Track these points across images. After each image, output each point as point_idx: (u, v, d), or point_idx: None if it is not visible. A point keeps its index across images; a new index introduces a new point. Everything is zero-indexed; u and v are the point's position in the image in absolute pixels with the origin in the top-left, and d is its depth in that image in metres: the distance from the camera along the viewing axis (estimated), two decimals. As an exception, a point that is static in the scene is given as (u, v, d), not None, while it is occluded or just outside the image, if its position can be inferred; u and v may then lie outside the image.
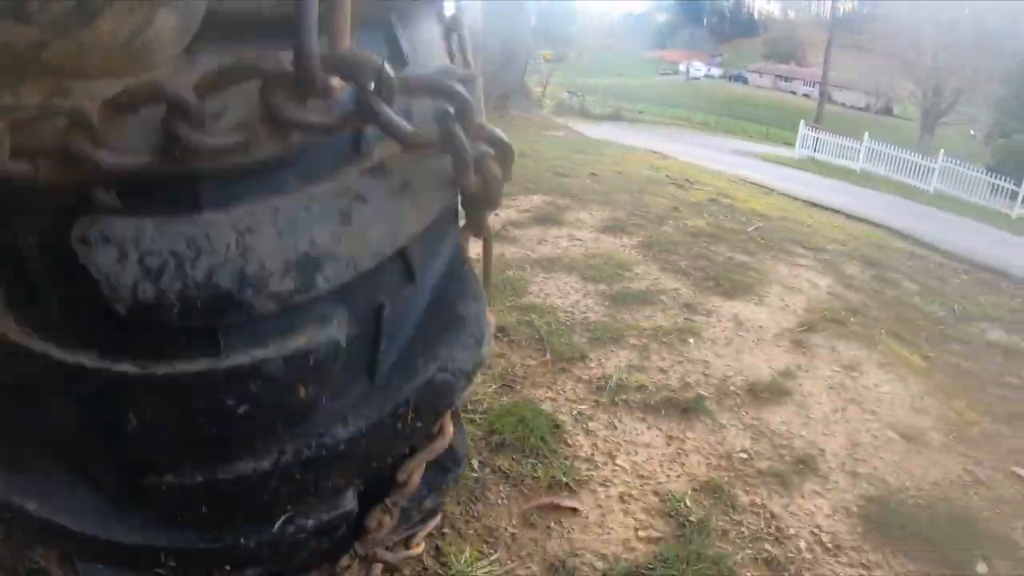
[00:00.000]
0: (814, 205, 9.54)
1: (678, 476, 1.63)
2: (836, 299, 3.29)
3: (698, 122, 23.88)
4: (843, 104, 36.03)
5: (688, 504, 1.53)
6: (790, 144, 19.41)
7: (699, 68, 39.69)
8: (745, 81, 38.32)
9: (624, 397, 1.96)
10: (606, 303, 2.70)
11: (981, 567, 1.56)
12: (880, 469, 1.82)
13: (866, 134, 17.23)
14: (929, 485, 1.81)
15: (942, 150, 17.06)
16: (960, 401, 2.50)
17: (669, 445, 1.75)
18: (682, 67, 39.91)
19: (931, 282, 4.71)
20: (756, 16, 48.44)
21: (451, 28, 0.88)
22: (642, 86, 34.21)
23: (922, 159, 16.66)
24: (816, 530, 1.51)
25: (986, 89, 22.42)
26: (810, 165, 16.27)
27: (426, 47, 0.75)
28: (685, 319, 2.61)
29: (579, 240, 3.61)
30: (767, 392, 2.09)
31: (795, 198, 9.77)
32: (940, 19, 19.77)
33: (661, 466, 1.67)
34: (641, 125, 20.28)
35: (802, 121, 18.54)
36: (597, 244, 3.57)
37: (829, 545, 1.47)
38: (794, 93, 38.12)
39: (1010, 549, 1.62)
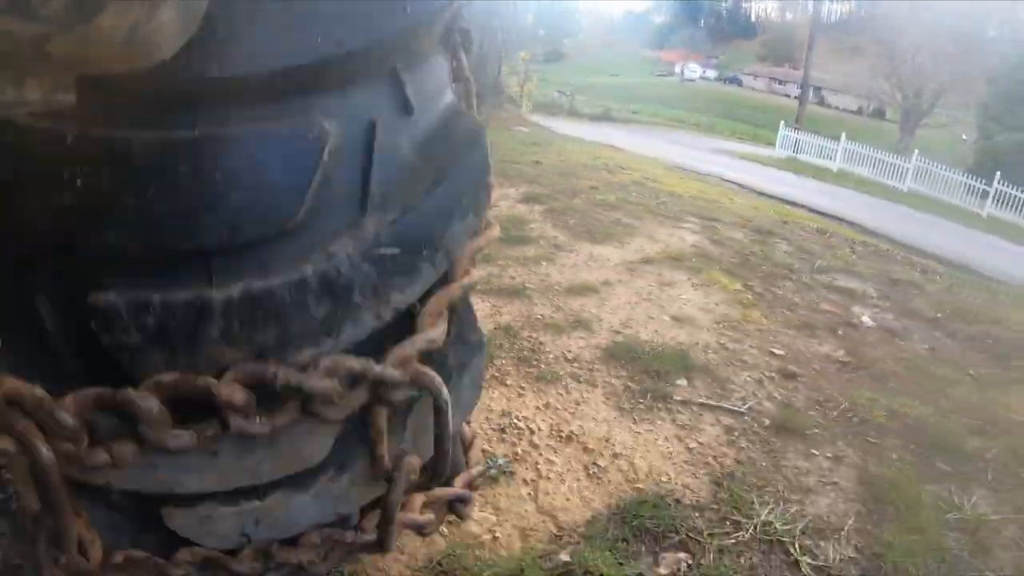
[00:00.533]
0: (763, 195, 10.44)
1: (489, 326, 2.54)
2: (693, 248, 4.18)
3: (692, 123, 24.81)
4: (837, 108, 36.93)
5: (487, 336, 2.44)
6: (775, 145, 20.33)
7: (694, 69, 40.73)
8: (740, 83, 39.30)
9: (477, 288, 2.88)
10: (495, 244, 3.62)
11: (681, 381, 2.45)
12: (639, 332, 2.72)
13: (843, 135, 18.14)
14: (675, 343, 2.70)
15: (916, 151, 17.93)
16: (756, 312, 3.37)
17: (492, 311, 2.67)
18: (677, 68, 40.96)
19: (814, 248, 5.57)
20: (754, 18, 49.53)
21: (455, 46, 0.92)
22: (640, 86, 35.19)
23: (896, 159, 17.55)
24: (566, 352, 2.42)
25: (975, 92, 23.35)
26: (787, 164, 17.18)
27: (433, 88, 0.79)
28: (549, 252, 3.53)
29: (495, 208, 4.52)
30: (580, 290, 3.01)
31: (756, 192, 10.67)
32: (920, 22, 20.61)
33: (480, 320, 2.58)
34: (637, 125, 21.30)
35: (782, 122, 19.51)
36: (511, 210, 4.48)
37: (569, 358, 2.38)
38: (788, 96, 39.04)
39: (711, 374, 2.50)
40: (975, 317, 3.71)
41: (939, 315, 3.65)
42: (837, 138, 18.58)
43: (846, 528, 1.67)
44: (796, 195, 11.60)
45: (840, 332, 3.18)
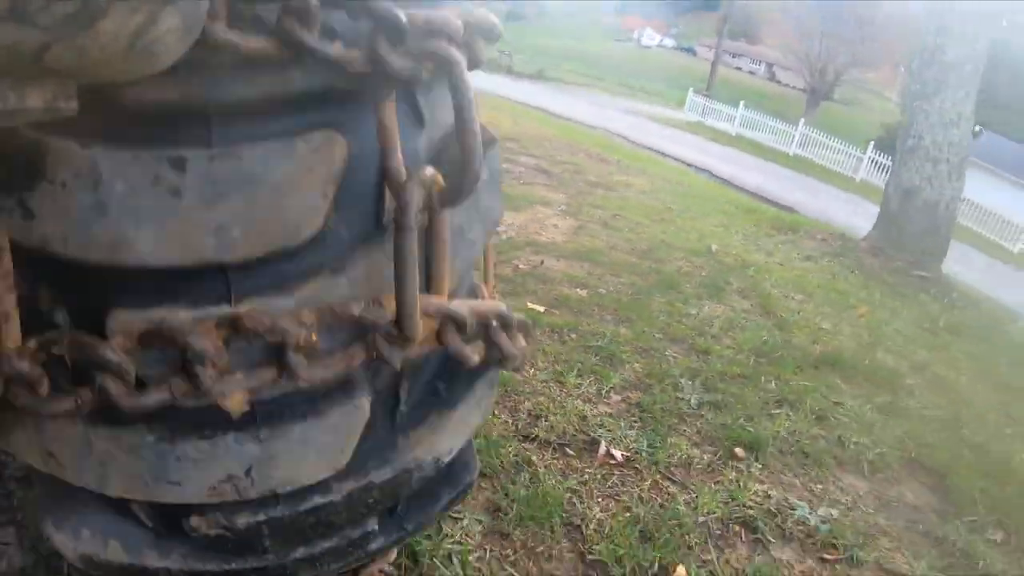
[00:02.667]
0: (636, 144, 14.32)
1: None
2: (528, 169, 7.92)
3: (621, 85, 28.48)
4: (787, 85, 41.04)
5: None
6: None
7: (652, 37, 44.35)
8: (694, 53, 43.08)
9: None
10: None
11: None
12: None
13: (741, 103, 22.11)
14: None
15: (802, 119, 22.02)
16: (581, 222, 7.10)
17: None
18: (635, 35, 44.56)
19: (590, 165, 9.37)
20: (717, -10, 53.09)
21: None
22: (595, 50, 38.58)
23: (784, 126, 21.61)
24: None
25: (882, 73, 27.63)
26: (688, 126, 21.08)
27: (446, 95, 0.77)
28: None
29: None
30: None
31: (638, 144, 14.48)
32: (825, 8, 24.62)
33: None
34: (563, 84, 24.84)
35: (691, 89, 23.41)
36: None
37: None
38: (740, 69, 43.05)
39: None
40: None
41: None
42: (750, 106, 22.49)
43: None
44: (668, 147, 15.54)
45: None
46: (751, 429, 2.06)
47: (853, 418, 2.33)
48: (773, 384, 2.43)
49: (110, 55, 0.47)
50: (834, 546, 1.64)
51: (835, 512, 1.78)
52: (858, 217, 10.63)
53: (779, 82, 41.11)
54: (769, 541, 1.61)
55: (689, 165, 13.93)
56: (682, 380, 2.28)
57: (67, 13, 0.42)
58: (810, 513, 1.73)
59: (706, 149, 17.00)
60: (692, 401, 2.16)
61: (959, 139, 5.34)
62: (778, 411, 2.23)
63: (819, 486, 1.90)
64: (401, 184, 0.71)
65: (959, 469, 2.19)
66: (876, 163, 20.61)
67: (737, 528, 1.63)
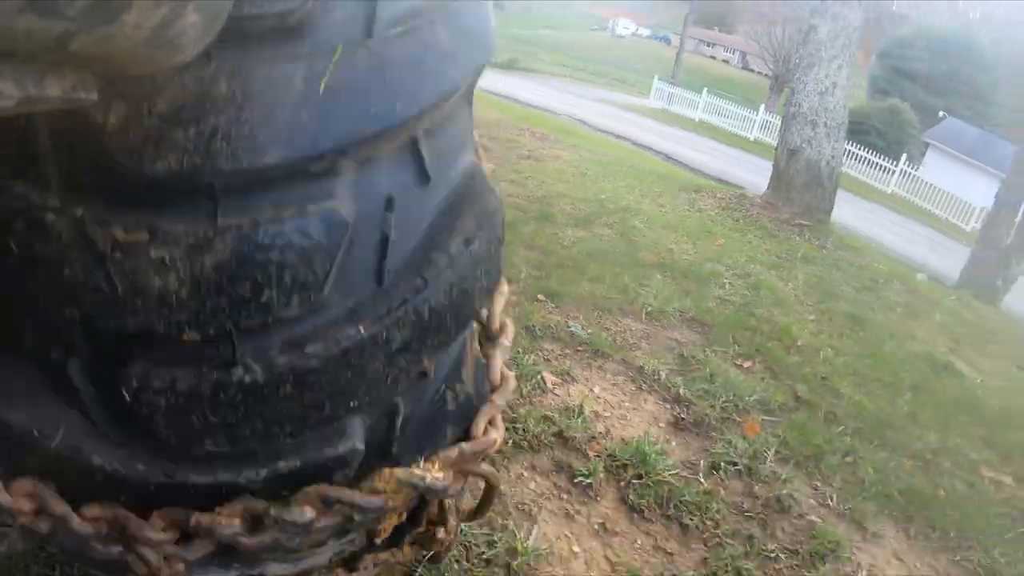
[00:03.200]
0: (595, 128, 15.17)
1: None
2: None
3: (593, 74, 29.41)
4: (758, 72, 42.18)
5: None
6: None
7: (627, 26, 45.36)
8: (668, 42, 44.13)
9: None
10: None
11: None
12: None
13: (704, 90, 23.13)
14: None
15: (763, 105, 23.08)
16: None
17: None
18: (610, 24, 45.54)
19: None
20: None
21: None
22: (570, 39, 39.54)
23: (746, 112, 22.66)
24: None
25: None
26: (651, 112, 22.06)
27: (453, 147, 0.82)
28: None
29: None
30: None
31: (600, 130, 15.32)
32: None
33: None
34: (535, 73, 25.72)
35: (656, 76, 24.41)
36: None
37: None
38: (714, 58, 44.20)
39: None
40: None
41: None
42: (714, 92, 23.50)
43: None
44: (626, 130, 16.45)
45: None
46: (569, 290, 2.93)
47: (652, 290, 3.20)
48: (594, 271, 3.29)
49: (132, 48, 0.48)
50: (588, 344, 2.51)
51: (604, 334, 2.65)
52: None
53: (752, 70, 42.27)
54: (540, 339, 2.48)
55: (640, 145, 14.82)
56: (523, 267, 3.15)
57: (91, 4, 0.42)
58: (580, 330, 2.60)
59: (665, 133, 17.95)
60: (523, 275, 3.03)
61: (834, 105, 6.24)
62: (589, 285, 3.10)
63: (601, 322, 2.77)
64: None
65: (730, 324, 3.06)
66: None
67: (522, 331, 2.49)
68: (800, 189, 6.35)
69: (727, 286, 3.67)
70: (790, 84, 6.84)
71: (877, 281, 5.09)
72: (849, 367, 2.99)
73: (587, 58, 33.83)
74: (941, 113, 26.37)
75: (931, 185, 19.85)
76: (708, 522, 1.70)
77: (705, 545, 1.65)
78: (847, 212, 14.38)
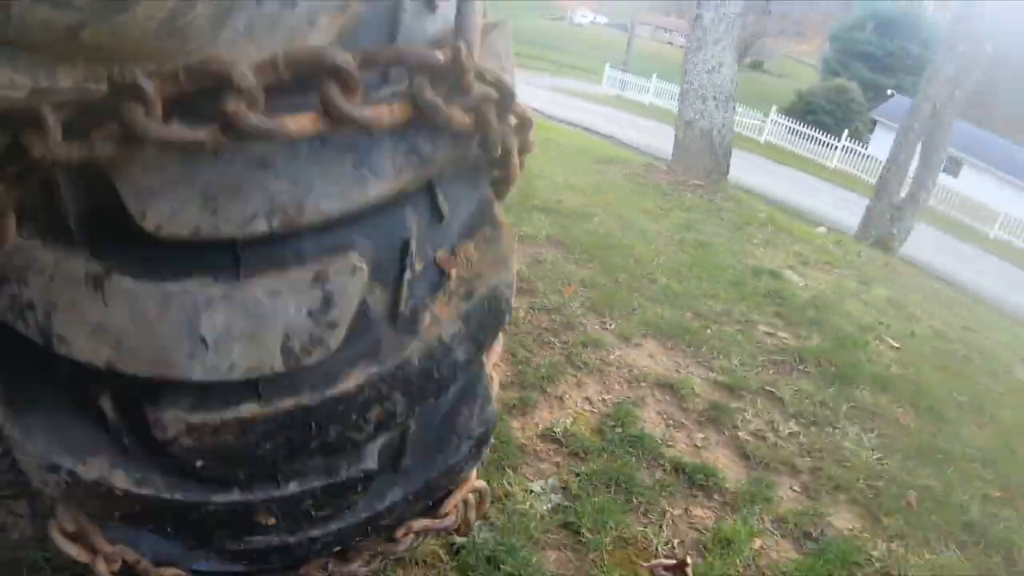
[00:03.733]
0: (545, 115, 16.18)
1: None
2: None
3: (550, 62, 30.38)
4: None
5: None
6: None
7: (585, 15, 46.54)
8: (627, 30, 45.34)
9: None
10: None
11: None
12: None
13: (654, 75, 24.27)
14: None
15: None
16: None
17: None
18: (568, 13, 46.69)
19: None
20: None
21: None
22: (528, 28, 40.30)
23: (695, 95, 23.80)
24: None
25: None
26: (601, 98, 23.10)
27: (466, 185, 0.88)
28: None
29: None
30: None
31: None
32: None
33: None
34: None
35: (607, 64, 25.54)
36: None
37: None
38: (671, 44, 45.46)
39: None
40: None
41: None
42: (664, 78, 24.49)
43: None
44: (575, 116, 17.49)
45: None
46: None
47: (532, 225, 4.27)
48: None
49: (142, 38, 0.49)
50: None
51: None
52: (754, 175, 12.10)
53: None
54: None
55: (587, 130, 15.89)
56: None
57: None
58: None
59: (614, 117, 19.07)
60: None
61: (721, 81, 7.39)
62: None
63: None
64: None
65: (588, 245, 4.13)
66: (780, 125, 23.03)
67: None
68: (696, 155, 7.50)
69: (600, 223, 4.76)
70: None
71: (750, 223, 6.18)
72: (674, 269, 4.10)
73: (544, 47, 34.70)
74: (890, 92, 27.88)
75: (873, 158, 21.12)
76: (522, 345, 2.74)
77: (514, 355, 2.73)
78: (784, 184, 15.68)
